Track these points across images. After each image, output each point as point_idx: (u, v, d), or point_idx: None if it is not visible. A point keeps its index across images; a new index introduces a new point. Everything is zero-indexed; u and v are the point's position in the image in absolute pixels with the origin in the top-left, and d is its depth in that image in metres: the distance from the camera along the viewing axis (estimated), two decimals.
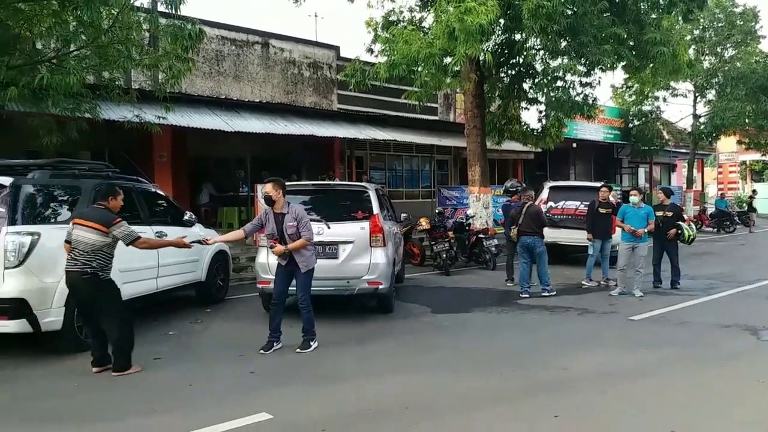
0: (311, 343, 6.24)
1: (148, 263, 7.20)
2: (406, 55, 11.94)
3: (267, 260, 7.52)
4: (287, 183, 8.20)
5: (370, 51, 14.49)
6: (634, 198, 9.67)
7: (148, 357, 5.91)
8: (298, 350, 6.15)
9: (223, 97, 14.76)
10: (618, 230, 9.86)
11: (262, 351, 6.10)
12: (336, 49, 17.94)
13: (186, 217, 8.24)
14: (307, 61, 17.12)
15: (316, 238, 7.36)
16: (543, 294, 9.59)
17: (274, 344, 6.21)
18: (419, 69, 12.50)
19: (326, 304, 8.29)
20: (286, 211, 6.21)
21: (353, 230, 7.52)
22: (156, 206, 8.10)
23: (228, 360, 6.01)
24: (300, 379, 5.38)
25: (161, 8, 9.55)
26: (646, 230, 9.42)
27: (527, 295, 9.44)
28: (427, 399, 4.89)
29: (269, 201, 6.21)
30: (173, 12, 9.02)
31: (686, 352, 6.26)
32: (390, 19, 14.17)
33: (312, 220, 7.57)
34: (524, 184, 12.16)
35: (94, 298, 5.44)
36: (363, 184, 8.64)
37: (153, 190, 8.29)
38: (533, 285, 9.74)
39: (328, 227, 7.34)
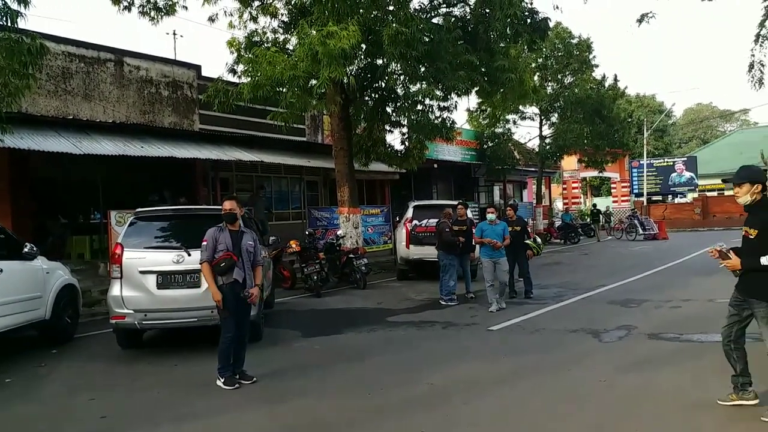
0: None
1: None
2: (270, 76, 11.88)
3: (120, 293, 7.04)
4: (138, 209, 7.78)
5: (233, 71, 14.24)
6: (491, 215, 10.26)
7: None
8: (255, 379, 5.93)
9: (71, 117, 13.64)
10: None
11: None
12: (197, 68, 17.32)
13: (26, 250, 7.48)
14: (166, 80, 16.35)
15: (175, 267, 7.05)
16: (440, 302, 10.58)
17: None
18: (284, 90, 12.47)
19: (187, 337, 7.91)
20: (244, 230, 6.11)
21: None
22: None
23: (76, 405, 5.49)
24: (157, 421, 5.03)
25: None
26: (503, 244, 10.02)
27: (454, 303, 10.53)
28: (293, 427, 4.81)
29: (234, 218, 5.97)
30: (9, 25, 8.24)
31: (540, 358, 6.73)
32: (253, 39, 14.00)
33: (169, 247, 7.26)
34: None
35: None
36: None
37: None
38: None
39: (189, 254, 7.00)
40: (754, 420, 4.48)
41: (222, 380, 5.82)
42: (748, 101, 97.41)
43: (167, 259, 7.08)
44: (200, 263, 5.92)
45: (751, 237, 4.55)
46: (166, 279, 7.07)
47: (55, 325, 7.95)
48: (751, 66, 11.61)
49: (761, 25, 11.51)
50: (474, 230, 10.80)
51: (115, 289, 7.12)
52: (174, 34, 29.29)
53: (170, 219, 7.83)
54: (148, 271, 7.06)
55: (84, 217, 15.32)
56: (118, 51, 15.36)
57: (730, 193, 42.57)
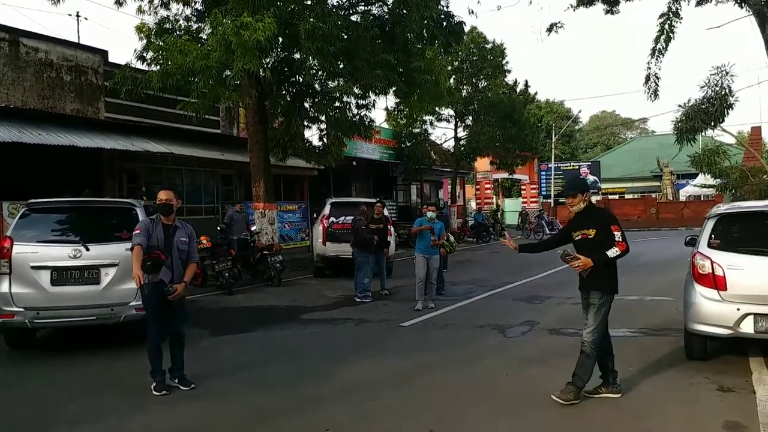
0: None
1: None
2: (181, 65, 11.46)
3: (9, 290, 6.54)
4: (37, 200, 7.31)
5: (142, 58, 13.58)
6: (431, 213, 10.12)
7: None
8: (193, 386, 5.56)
9: None
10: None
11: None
12: (103, 53, 16.41)
13: None
14: (68, 64, 15.38)
15: (71, 263, 6.65)
16: (355, 299, 10.57)
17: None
18: (196, 80, 12.05)
19: (88, 336, 7.49)
20: (179, 225, 5.62)
21: (118, 252, 6.81)
22: None
23: None
24: (46, 426, 4.73)
25: None
26: (439, 243, 9.99)
27: (368, 300, 10.55)
28: (192, 429, 4.66)
29: (168, 209, 5.51)
30: None
31: (447, 353, 6.90)
32: (165, 26, 13.41)
33: (66, 241, 6.84)
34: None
35: None
36: (129, 200, 7.95)
37: None
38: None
39: (87, 249, 6.62)
40: (646, 409, 4.82)
41: (153, 384, 5.48)
42: (647, 111, 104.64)
43: (63, 254, 6.66)
44: (131, 247, 5.46)
45: (591, 237, 5.07)
46: (62, 275, 6.65)
47: None
48: (648, 78, 12.44)
49: (656, 40, 12.35)
50: (390, 227, 10.82)
51: (3, 286, 6.60)
52: (78, 16, 27.45)
53: (68, 211, 7.36)
54: (41, 266, 6.61)
55: None
56: (12, 30, 14.31)
57: (630, 196, 45.50)
